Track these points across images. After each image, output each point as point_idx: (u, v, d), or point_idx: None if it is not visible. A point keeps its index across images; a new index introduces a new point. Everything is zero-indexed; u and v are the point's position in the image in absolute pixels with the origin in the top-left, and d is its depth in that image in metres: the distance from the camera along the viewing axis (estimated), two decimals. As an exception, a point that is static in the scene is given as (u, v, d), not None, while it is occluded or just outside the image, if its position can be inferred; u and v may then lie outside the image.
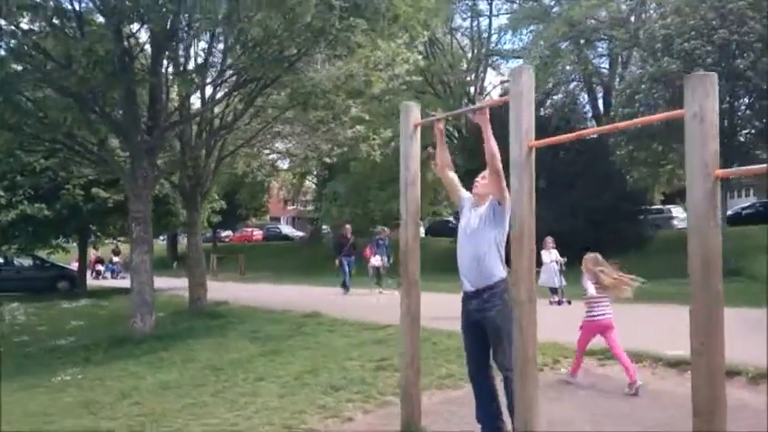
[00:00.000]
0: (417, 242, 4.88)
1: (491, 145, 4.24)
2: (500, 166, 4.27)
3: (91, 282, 27.61)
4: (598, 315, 6.18)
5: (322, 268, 31.76)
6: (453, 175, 4.87)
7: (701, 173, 3.05)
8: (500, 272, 4.42)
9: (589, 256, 6.26)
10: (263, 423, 5.45)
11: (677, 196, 35.15)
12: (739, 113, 17.78)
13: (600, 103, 29.07)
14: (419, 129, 5.01)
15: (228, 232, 53.19)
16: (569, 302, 12.45)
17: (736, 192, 37.73)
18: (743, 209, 28.35)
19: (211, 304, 14.98)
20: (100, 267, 34.29)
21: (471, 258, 4.46)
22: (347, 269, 17.21)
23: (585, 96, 29.66)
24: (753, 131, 18.06)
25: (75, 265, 26.96)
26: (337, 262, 17.43)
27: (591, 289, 6.11)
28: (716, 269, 3.05)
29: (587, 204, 22.10)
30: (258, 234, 54.03)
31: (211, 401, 6.43)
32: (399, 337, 8.73)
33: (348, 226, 18.95)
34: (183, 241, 47.40)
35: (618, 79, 26.02)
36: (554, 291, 12.94)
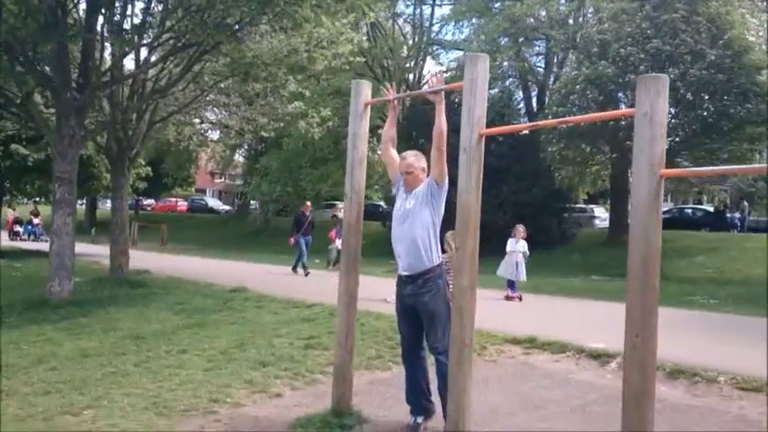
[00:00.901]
0: (360, 222, 4.86)
1: (441, 124, 4.25)
2: (444, 145, 4.29)
3: (6, 242, 26.35)
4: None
5: (249, 243, 31.44)
6: (395, 153, 4.82)
7: (647, 171, 3.15)
8: (435, 256, 4.43)
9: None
10: (187, 396, 5.33)
11: (599, 197, 36.50)
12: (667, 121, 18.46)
13: (533, 101, 29.70)
14: (369, 108, 4.98)
15: (151, 201, 51.84)
16: (520, 299, 11.79)
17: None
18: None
19: (133, 273, 14.56)
20: (18, 228, 32.63)
21: (406, 242, 4.43)
22: (304, 249, 16.04)
23: (520, 93, 30.23)
24: (676, 140, 18.82)
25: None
26: (292, 240, 16.21)
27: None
28: (655, 266, 3.17)
29: (516, 199, 22.59)
30: (183, 205, 52.92)
31: (134, 371, 6.26)
32: (328, 317, 8.83)
33: (308, 203, 18.02)
34: (102, 207, 46.00)
35: (552, 79, 26.60)
36: (511, 284, 11.88)
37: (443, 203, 4.42)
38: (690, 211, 31.69)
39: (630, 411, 3.14)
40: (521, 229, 12.11)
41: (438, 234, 4.46)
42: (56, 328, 9.04)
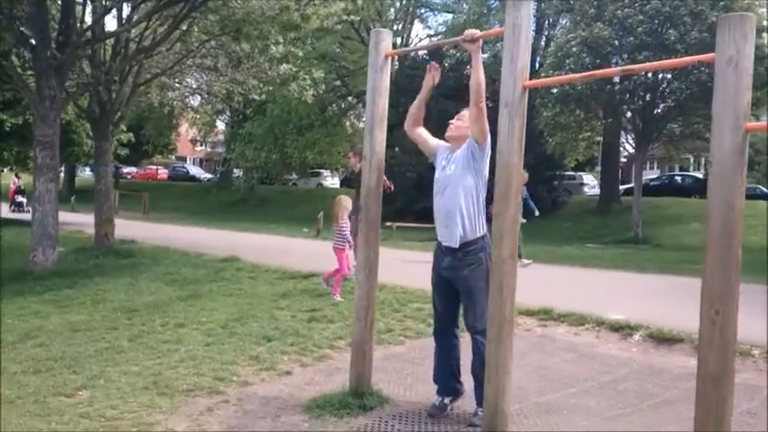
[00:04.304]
0: (380, 188, 4.43)
1: (479, 76, 3.79)
2: (484, 100, 3.86)
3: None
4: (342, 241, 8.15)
5: (234, 212, 30.86)
6: (422, 129, 4.34)
7: (731, 125, 2.77)
8: (479, 227, 3.99)
9: (344, 198, 8.37)
10: (190, 374, 4.95)
11: (587, 164, 36.34)
12: (663, 86, 18.12)
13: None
14: (389, 60, 4.53)
15: (132, 169, 50.77)
16: None
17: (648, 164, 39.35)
18: (650, 180, 29.50)
19: (118, 242, 14.04)
20: (21, 199, 28.17)
21: (447, 211, 3.99)
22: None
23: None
24: (672, 104, 18.49)
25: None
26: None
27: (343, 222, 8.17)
28: (737, 233, 2.80)
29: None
30: (163, 173, 51.95)
31: (129, 347, 5.85)
32: (327, 288, 8.44)
33: None
34: (81, 174, 45.00)
35: (544, 42, 26.08)
36: None
37: (487, 167, 3.96)
38: (679, 178, 31.44)
39: (708, 395, 2.80)
40: None
41: (483, 202, 4.01)
42: (41, 300, 8.57)
